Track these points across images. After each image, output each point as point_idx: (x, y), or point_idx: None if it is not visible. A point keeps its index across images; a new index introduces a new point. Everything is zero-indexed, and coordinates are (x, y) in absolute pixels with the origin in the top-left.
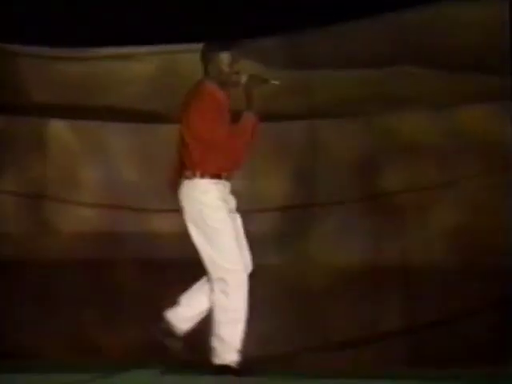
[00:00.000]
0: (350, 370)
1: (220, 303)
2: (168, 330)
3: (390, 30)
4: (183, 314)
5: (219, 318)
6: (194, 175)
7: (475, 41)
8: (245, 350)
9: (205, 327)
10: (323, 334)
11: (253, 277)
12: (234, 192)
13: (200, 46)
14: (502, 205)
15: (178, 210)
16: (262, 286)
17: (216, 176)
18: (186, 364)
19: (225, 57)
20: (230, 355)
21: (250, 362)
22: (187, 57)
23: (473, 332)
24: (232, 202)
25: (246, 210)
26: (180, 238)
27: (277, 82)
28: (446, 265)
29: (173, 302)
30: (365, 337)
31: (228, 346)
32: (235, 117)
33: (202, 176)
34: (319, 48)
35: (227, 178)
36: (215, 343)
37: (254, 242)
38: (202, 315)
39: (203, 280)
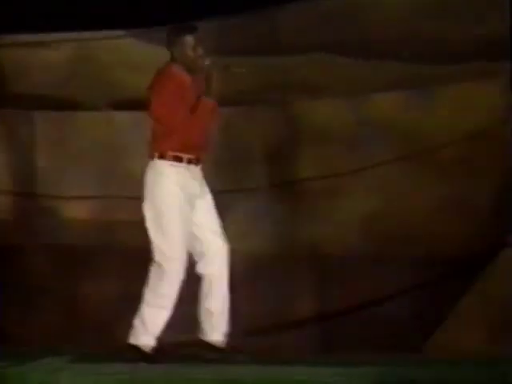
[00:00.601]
0: (264, 357)
1: (152, 285)
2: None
3: (304, 17)
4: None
5: (147, 298)
6: (153, 156)
7: (391, 29)
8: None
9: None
10: (236, 320)
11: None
12: (142, 177)
13: (116, 33)
14: (414, 191)
15: (89, 197)
16: None
17: (176, 159)
18: (97, 351)
19: (188, 40)
20: (146, 338)
21: (163, 349)
22: (101, 44)
23: (387, 318)
24: (195, 188)
25: None
26: (91, 225)
27: (242, 70)
28: (359, 251)
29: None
30: (278, 323)
31: (147, 328)
32: None
33: (161, 157)
34: (235, 35)
35: (191, 162)
36: (136, 322)
37: None
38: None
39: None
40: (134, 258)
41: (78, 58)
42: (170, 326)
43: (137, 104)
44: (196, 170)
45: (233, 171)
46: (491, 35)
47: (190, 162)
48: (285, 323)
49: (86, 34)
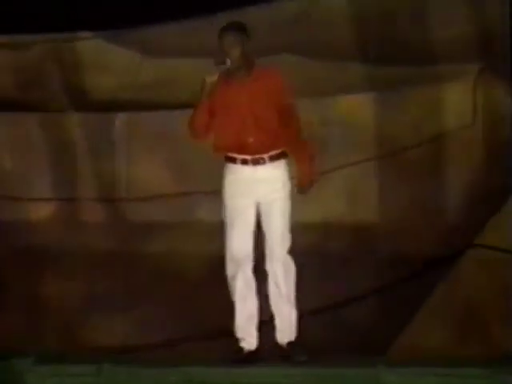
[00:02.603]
0: (226, 358)
1: None
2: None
3: (269, 18)
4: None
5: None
6: None
7: (356, 31)
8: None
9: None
10: (200, 322)
11: (135, 265)
12: (110, 179)
13: (84, 34)
14: (380, 193)
15: (54, 199)
16: (141, 274)
17: (229, 159)
18: (61, 353)
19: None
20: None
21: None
22: (70, 45)
23: (351, 320)
24: (262, 189)
25: (125, 198)
26: (56, 226)
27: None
28: (324, 252)
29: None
30: None
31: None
32: None
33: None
34: (197, 37)
35: (246, 162)
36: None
37: (134, 229)
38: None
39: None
40: (99, 260)
41: (46, 60)
42: None
43: (105, 106)
44: (257, 170)
45: (197, 173)
46: (456, 37)
47: (244, 162)
48: None
49: (55, 36)
